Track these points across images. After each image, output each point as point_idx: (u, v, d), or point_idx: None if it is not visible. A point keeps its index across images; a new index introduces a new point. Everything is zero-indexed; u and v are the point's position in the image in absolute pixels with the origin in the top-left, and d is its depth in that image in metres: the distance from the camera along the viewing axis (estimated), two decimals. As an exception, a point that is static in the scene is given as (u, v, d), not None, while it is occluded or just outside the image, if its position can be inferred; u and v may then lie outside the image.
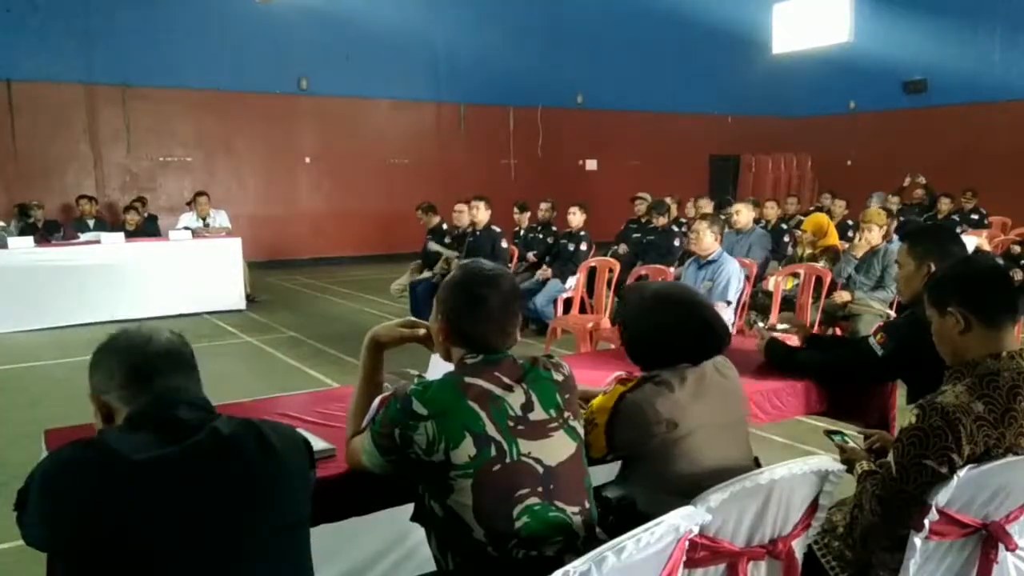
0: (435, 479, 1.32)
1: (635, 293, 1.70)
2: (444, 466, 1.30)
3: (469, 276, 1.43)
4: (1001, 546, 1.47)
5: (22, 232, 7.19)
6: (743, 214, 5.66)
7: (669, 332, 1.56)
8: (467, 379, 1.35)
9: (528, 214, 6.79)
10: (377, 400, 1.42)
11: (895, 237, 5.52)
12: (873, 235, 4.68)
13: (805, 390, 2.19)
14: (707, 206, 6.89)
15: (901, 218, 7.04)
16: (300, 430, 1.31)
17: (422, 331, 1.55)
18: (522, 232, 6.72)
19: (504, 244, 5.96)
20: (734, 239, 5.58)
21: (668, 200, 6.65)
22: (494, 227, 5.90)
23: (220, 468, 1.10)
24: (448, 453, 1.29)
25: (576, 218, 6.11)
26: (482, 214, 5.81)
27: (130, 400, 1.15)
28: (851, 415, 2.51)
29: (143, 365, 1.17)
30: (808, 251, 5.37)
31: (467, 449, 1.29)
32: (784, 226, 6.87)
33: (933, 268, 1.97)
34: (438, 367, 1.71)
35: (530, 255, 6.42)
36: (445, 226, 6.49)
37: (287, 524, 1.16)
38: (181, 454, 1.08)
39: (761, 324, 2.90)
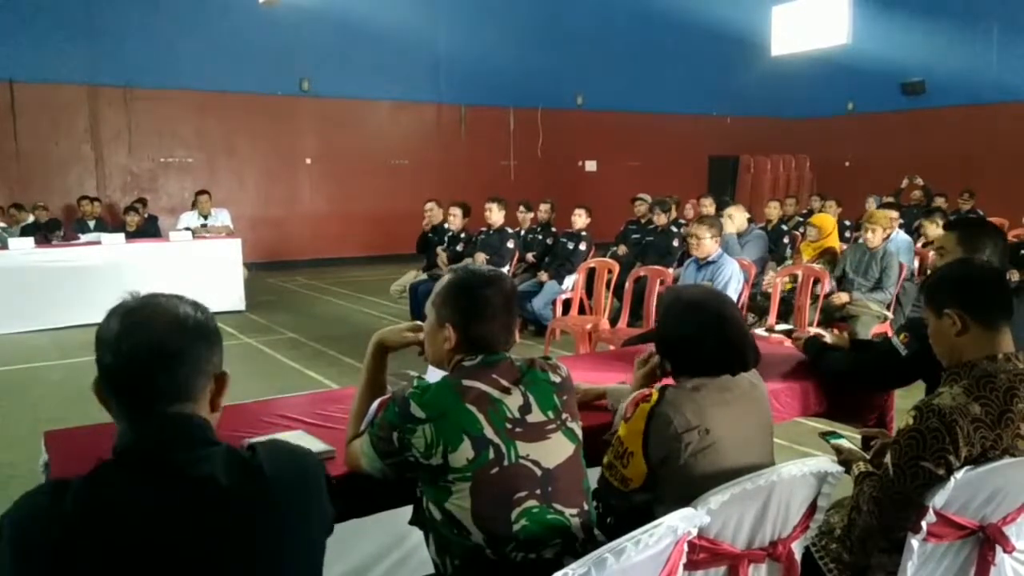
0: (433, 482, 1.32)
1: (674, 295, 1.65)
2: (442, 469, 1.30)
3: (470, 279, 1.43)
4: (999, 548, 1.47)
5: (23, 233, 7.20)
6: (736, 217, 5.66)
7: (701, 340, 1.51)
8: (465, 382, 1.35)
9: (531, 214, 6.81)
10: (376, 403, 1.42)
11: (898, 232, 5.55)
12: (876, 235, 4.68)
13: (804, 392, 2.20)
14: (709, 206, 6.91)
15: (901, 220, 7.06)
16: (318, 449, 1.15)
17: (423, 335, 1.55)
18: (522, 232, 6.73)
19: (510, 244, 6.07)
20: (731, 241, 5.59)
21: (669, 200, 6.70)
22: (507, 228, 6.17)
23: (214, 524, 0.93)
24: (446, 456, 1.29)
25: (581, 220, 6.15)
26: (495, 215, 6.05)
27: (117, 417, 0.98)
28: (850, 416, 2.52)
29: (125, 381, 0.97)
30: (810, 254, 5.36)
31: (465, 452, 1.29)
32: (784, 227, 6.87)
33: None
34: (438, 369, 1.71)
35: (529, 256, 6.43)
36: (446, 226, 6.49)
37: None
38: (171, 509, 0.92)
39: (783, 327, 2.93)
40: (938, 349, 1.59)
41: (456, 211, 6.25)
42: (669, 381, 1.58)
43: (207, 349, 1.02)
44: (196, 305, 1.05)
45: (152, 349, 0.98)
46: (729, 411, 1.47)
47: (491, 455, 1.30)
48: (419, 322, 1.60)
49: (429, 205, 6.56)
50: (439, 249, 6.18)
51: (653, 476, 1.45)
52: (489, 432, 1.31)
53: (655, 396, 1.46)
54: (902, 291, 4.70)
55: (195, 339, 1.01)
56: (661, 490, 1.46)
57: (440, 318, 1.43)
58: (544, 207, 6.67)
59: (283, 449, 1.08)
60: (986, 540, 1.47)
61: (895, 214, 5.82)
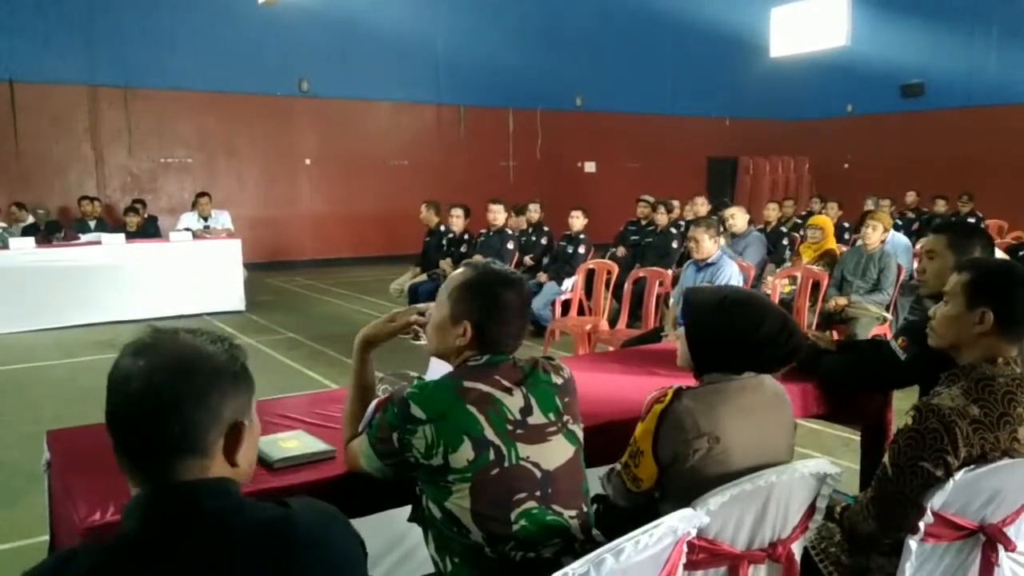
0: (433, 481, 1.32)
1: (709, 295, 1.60)
2: (442, 469, 1.30)
3: (492, 278, 1.41)
4: (1001, 548, 1.47)
5: (24, 233, 7.20)
6: (738, 217, 5.67)
7: (747, 338, 1.47)
8: (466, 383, 1.35)
9: (524, 217, 6.80)
10: (374, 403, 1.42)
11: (894, 234, 5.57)
12: (876, 233, 4.69)
13: (803, 393, 2.19)
14: (702, 204, 6.95)
15: (898, 221, 7.08)
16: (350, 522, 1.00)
17: (413, 316, 1.54)
18: (517, 234, 6.73)
19: (510, 246, 6.05)
20: (730, 242, 5.59)
21: (671, 202, 6.75)
22: (507, 229, 6.15)
23: None
24: (446, 457, 1.29)
25: (578, 222, 6.15)
26: (499, 216, 6.05)
27: (130, 480, 0.87)
28: (848, 417, 2.53)
29: (125, 434, 0.85)
30: (811, 255, 5.36)
31: (465, 453, 1.29)
32: (783, 229, 6.88)
33: None
34: (437, 369, 1.71)
35: (527, 259, 6.42)
36: (444, 227, 6.49)
37: None
38: None
39: None
40: (944, 334, 1.55)
41: (458, 212, 6.25)
42: (691, 382, 1.56)
43: (219, 396, 0.88)
44: (225, 345, 0.91)
45: (149, 395, 0.84)
46: (746, 420, 1.45)
47: (491, 456, 1.31)
48: (397, 309, 1.58)
49: (422, 207, 6.55)
50: (442, 262, 6.13)
51: (664, 476, 1.44)
52: (490, 433, 1.31)
53: (668, 397, 1.44)
54: (900, 292, 4.71)
55: (206, 383, 0.87)
56: (667, 491, 1.45)
57: (456, 315, 1.40)
58: (532, 207, 6.67)
59: (319, 510, 0.96)
60: (988, 541, 1.46)
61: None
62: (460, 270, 1.46)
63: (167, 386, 0.85)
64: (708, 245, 3.93)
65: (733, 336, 1.48)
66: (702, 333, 1.53)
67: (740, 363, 1.50)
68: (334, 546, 0.91)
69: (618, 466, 1.52)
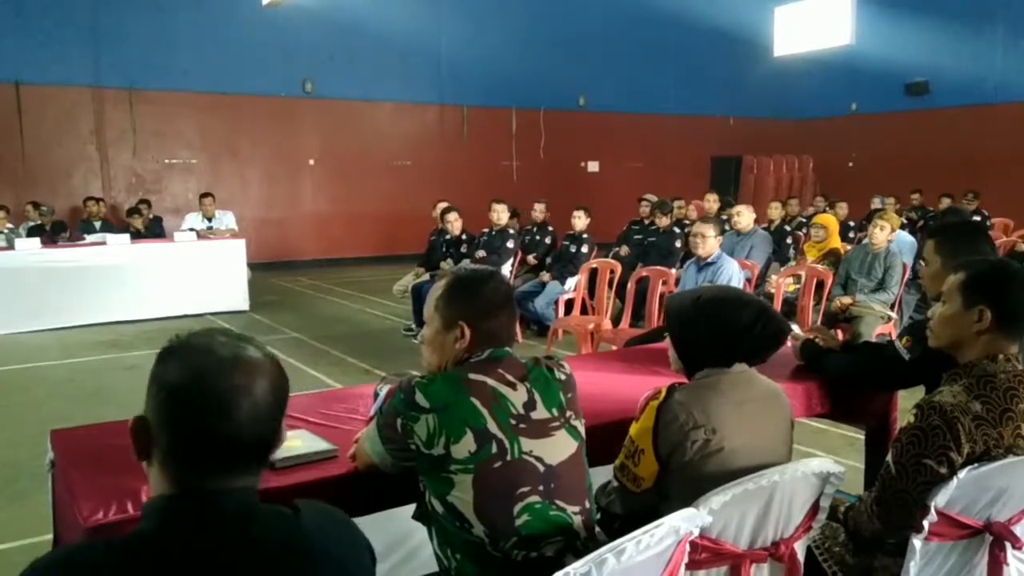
0: (435, 472, 1.33)
1: (685, 297, 1.63)
2: (444, 459, 1.31)
3: (471, 276, 1.46)
4: (1009, 547, 1.46)
5: (29, 233, 7.24)
6: (744, 216, 5.66)
7: (729, 330, 1.49)
8: (472, 376, 1.36)
9: (516, 220, 6.78)
10: (384, 391, 1.46)
11: (897, 235, 5.55)
12: (884, 233, 4.68)
13: (806, 392, 2.19)
14: (714, 202, 6.98)
15: (904, 220, 7.06)
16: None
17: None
18: (518, 234, 6.71)
19: (510, 245, 6.05)
20: (735, 240, 5.58)
21: (675, 204, 6.73)
22: (509, 228, 6.16)
23: None
24: (448, 447, 1.30)
25: (580, 221, 6.14)
26: (502, 216, 6.07)
27: (163, 466, 0.86)
28: (852, 417, 2.52)
29: (222, 447, 0.85)
30: (815, 255, 5.34)
31: (467, 444, 1.30)
32: (786, 228, 6.86)
33: None
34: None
35: (530, 258, 6.42)
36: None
37: None
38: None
39: (796, 328, 2.92)
40: (944, 332, 1.55)
41: (453, 216, 6.24)
42: (682, 379, 1.58)
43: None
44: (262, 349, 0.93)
45: (262, 413, 0.87)
46: (740, 413, 1.46)
47: (494, 449, 1.31)
48: None
49: (440, 204, 6.53)
50: (443, 263, 6.12)
51: (664, 473, 1.45)
52: (493, 427, 1.32)
53: (663, 393, 1.47)
54: (905, 291, 4.69)
55: (285, 404, 0.93)
56: (667, 488, 1.45)
57: (448, 319, 1.42)
58: (539, 207, 6.67)
59: (330, 516, 0.98)
60: (995, 540, 1.46)
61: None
62: (436, 284, 1.50)
63: (278, 408, 0.89)
64: (712, 244, 3.93)
65: (713, 331, 1.51)
66: (684, 335, 1.57)
67: (727, 355, 1.51)
68: (344, 558, 0.93)
69: (615, 472, 1.52)
